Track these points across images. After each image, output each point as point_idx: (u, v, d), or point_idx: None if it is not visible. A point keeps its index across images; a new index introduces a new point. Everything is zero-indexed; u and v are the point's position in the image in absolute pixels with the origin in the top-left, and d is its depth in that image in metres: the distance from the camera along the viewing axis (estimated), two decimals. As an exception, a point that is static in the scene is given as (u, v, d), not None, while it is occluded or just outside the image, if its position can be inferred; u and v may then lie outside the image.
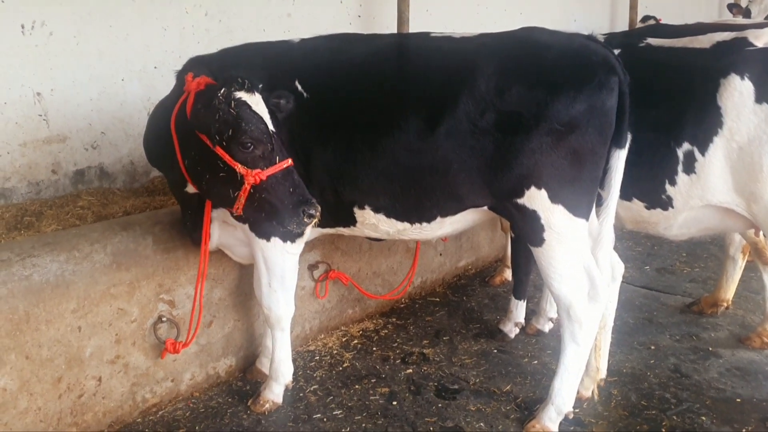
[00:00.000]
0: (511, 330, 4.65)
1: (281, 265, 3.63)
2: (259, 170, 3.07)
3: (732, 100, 3.39)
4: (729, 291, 4.89)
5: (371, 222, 3.55)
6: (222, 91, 3.04)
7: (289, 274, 3.68)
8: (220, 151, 3.08)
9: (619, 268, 3.79)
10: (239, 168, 3.06)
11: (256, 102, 3.14)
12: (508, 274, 5.45)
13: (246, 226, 3.58)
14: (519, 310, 4.68)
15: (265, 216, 3.20)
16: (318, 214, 3.12)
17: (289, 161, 3.15)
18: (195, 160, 3.23)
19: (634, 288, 5.39)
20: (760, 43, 3.62)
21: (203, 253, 3.61)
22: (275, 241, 3.57)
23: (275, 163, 3.10)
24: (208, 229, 3.57)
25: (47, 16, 4.58)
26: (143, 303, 3.66)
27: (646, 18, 8.57)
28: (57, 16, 4.63)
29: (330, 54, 3.56)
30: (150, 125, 3.64)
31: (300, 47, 3.66)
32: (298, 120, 3.41)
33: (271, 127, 3.15)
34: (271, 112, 3.24)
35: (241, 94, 3.09)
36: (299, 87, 3.45)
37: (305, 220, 3.10)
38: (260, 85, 3.22)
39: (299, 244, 3.67)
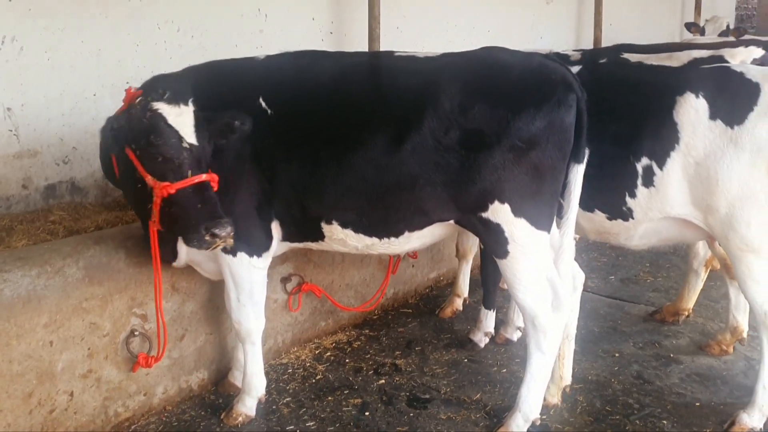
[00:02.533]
0: (481, 339, 4.74)
1: (249, 279, 3.64)
2: (167, 183, 3.06)
3: (688, 116, 3.52)
4: (690, 301, 5.04)
5: (339, 237, 3.58)
6: (139, 99, 3.04)
7: (258, 288, 3.69)
8: (134, 159, 3.08)
9: (580, 277, 3.90)
10: (149, 179, 3.08)
11: (177, 114, 3.10)
12: (458, 303, 5.26)
13: None
14: (488, 320, 4.77)
15: (175, 231, 3.14)
16: (226, 234, 3.02)
17: (203, 177, 3.11)
18: (122, 172, 3.23)
19: (599, 297, 5.52)
20: (735, 61, 3.77)
21: (156, 268, 3.49)
22: (242, 256, 3.58)
23: (186, 177, 3.08)
24: (156, 242, 3.40)
25: (18, 31, 4.58)
26: (116, 317, 3.67)
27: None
28: (28, 32, 4.63)
29: (295, 71, 3.60)
30: (100, 141, 3.57)
31: (264, 64, 3.69)
32: (263, 136, 3.43)
33: (189, 140, 3.10)
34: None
35: (159, 105, 3.07)
36: (263, 104, 3.48)
37: (207, 238, 3.01)
38: (191, 99, 3.17)
39: (266, 259, 3.69)
